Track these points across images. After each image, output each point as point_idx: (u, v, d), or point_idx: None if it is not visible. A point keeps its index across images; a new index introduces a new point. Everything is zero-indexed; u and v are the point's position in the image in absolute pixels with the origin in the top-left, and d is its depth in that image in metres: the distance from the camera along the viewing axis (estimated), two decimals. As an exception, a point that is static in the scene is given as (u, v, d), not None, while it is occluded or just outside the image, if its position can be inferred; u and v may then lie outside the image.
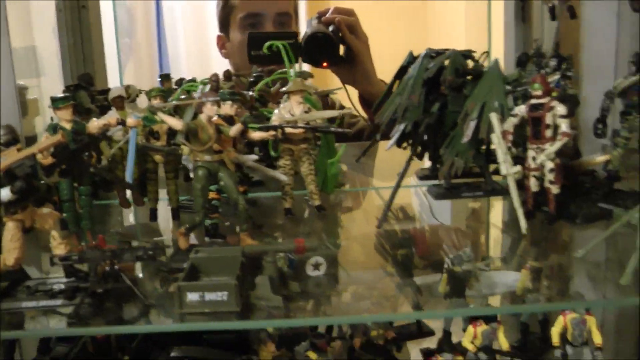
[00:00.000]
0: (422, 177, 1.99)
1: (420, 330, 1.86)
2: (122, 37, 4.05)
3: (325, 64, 2.59)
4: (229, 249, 1.37)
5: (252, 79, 2.09)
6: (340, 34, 2.60)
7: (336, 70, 2.71)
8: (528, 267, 1.48)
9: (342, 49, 2.63)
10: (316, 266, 1.37)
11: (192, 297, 1.22)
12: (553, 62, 1.83)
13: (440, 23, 4.25)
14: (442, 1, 4.19)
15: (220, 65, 3.09)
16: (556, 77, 1.81)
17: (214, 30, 3.19)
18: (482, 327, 1.67)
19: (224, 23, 3.05)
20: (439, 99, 1.76)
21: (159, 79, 2.12)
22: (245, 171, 1.93)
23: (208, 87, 1.91)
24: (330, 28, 2.59)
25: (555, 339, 1.66)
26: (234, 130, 1.49)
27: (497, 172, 1.67)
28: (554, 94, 1.73)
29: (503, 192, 1.74)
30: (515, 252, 1.64)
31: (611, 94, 1.72)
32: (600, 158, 1.79)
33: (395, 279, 1.52)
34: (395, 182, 1.72)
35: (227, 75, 2.03)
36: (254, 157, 1.63)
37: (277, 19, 2.91)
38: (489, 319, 1.67)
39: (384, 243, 1.71)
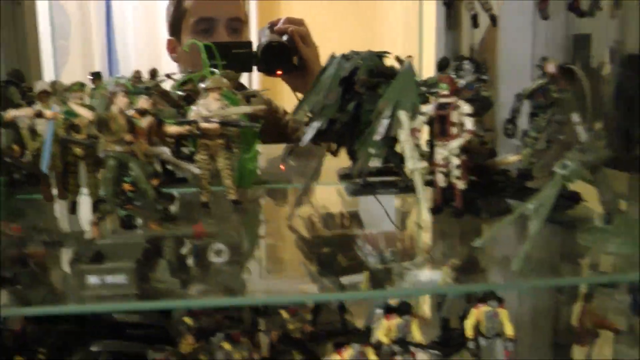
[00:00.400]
0: (343, 175, 2.03)
1: (345, 328, 1.88)
2: (59, 39, 4.08)
3: (279, 72, 2.69)
4: (133, 236, 1.41)
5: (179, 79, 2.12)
6: (293, 44, 2.66)
7: (287, 79, 2.79)
8: (449, 264, 1.52)
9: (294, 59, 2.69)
10: (218, 253, 1.40)
11: (92, 280, 1.26)
12: (467, 66, 1.89)
13: (391, 28, 4.32)
14: (394, 4, 4.26)
15: (171, 68, 3.10)
16: (470, 79, 1.86)
17: (165, 32, 3.23)
18: (396, 320, 1.72)
19: (175, 27, 3.08)
20: (355, 98, 1.81)
21: (90, 77, 2.13)
22: (169, 168, 1.97)
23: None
24: (284, 37, 2.66)
25: (468, 332, 1.71)
26: (146, 121, 1.53)
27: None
28: (469, 95, 1.80)
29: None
30: (436, 249, 1.70)
31: (520, 96, 1.78)
32: (513, 158, 1.85)
33: (311, 273, 1.58)
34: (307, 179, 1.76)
35: (153, 73, 2.06)
36: (166, 149, 1.66)
37: (230, 24, 2.95)
38: (402, 312, 1.72)
39: (305, 239, 1.76)
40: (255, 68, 2.70)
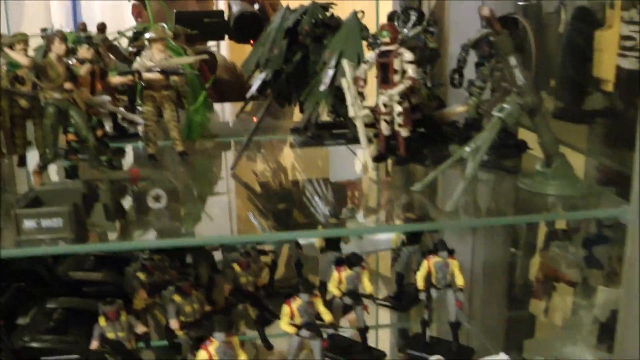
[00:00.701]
0: (294, 129, 2.03)
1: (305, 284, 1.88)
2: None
3: (252, 41, 2.66)
4: (72, 182, 1.40)
5: (131, 35, 2.12)
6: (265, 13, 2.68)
7: None
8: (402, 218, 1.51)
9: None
10: (157, 198, 1.40)
11: (29, 224, 1.26)
12: (414, 17, 1.89)
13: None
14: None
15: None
16: (417, 30, 1.87)
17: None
18: (346, 272, 1.73)
19: None
20: (300, 50, 1.81)
21: (42, 33, 2.11)
22: (121, 123, 1.96)
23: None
24: (256, 7, 2.66)
25: (420, 283, 1.73)
26: (84, 69, 1.53)
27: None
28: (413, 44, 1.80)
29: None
30: (391, 204, 1.67)
31: (466, 46, 1.79)
32: (460, 108, 1.86)
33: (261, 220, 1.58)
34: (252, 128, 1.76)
35: (101, 27, 2.05)
36: (107, 98, 1.66)
37: None
38: (352, 264, 1.73)
39: (255, 190, 1.76)
40: (227, 37, 2.70)
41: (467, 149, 1.44)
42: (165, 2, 2.85)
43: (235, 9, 2.65)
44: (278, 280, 2.12)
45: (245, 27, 2.64)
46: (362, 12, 1.93)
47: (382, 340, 2.03)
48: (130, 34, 2.22)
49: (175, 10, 2.63)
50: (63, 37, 1.50)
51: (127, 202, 1.44)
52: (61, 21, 4.47)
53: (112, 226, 1.31)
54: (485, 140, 1.43)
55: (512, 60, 1.44)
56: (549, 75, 1.98)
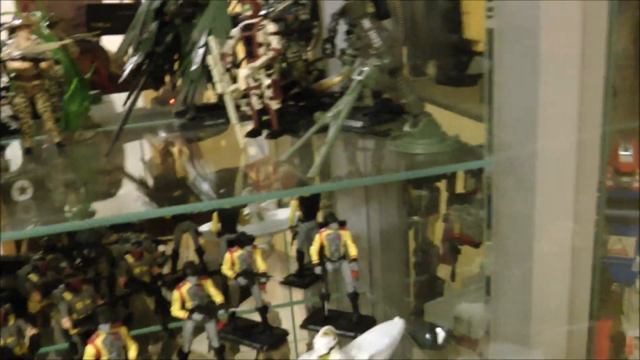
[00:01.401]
0: (177, 112, 2.02)
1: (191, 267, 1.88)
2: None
3: None
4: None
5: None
6: None
7: None
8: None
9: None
10: (22, 191, 1.38)
11: None
12: (285, -12, 1.90)
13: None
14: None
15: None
16: (288, 3, 1.87)
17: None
18: (237, 252, 1.73)
19: None
20: (171, 30, 1.80)
21: None
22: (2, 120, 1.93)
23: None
24: None
25: (314, 257, 1.73)
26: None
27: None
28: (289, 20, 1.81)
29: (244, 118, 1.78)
30: (263, 174, 1.68)
31: (335, 15, 1.79)
32: (337, 78, 1.87)
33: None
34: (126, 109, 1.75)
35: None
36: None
37: None
38: (243, 243, 1.73)
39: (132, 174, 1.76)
40: None
41: (329, 114, 1.45)
42: None
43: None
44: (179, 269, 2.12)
45: None
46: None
47: (288, 319, 2.06)
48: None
49: (86, 4, 2.59)
50: None
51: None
52: None
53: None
54: (346, 103, 1.45)
55: (366, 24, 1.45)
56: (424, 41, 2.00)
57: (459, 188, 2.13)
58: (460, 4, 1.71)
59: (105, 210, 1.49)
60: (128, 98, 1.99)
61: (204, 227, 2.23)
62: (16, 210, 1.38)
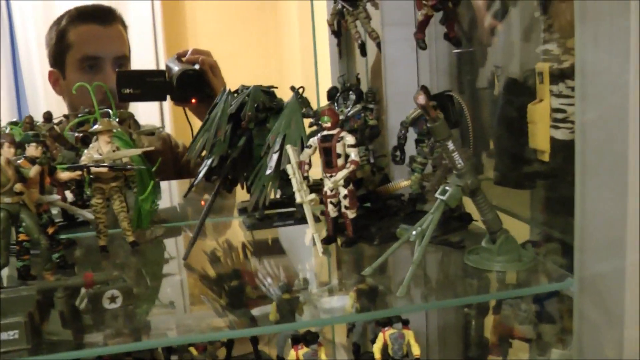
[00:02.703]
0: (241, 209, 2.07)
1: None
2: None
3: (194, 101, 2.70)
4: (25, 288, 1.40)
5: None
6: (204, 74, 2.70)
7: (196, 110, 2.78)
8: (354, 289, 1.56)
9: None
10: (112, 299, 1.41)
11: (-16, 337, 1.26)
12: (353, 96, 1.95)
13: (291, 57, 4.39)
14: (293, 34, 4.33)
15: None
16: (357, 109, 1.92)
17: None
18: (303, 350, 1.74)
19: (58, 59, 3.03)
20: (245, 134, 1.85)
21: None
22: (70, 212, 1.97)
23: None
24: (196, 66, 2.68)
25: (377, 355, 1.75)
26: (33, 171, 1.53)
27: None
28: (355, 125, 1.85)
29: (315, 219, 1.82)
30: (341, 276, 1.73)
31: (404, 123, 1.84)
32: (403, 183, 1.91)
33: (219, 308, 1.60)
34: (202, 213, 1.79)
35: (47, 117, 2.06)
36: (57, 197, 1.68)
37: (116, 62, 2.96)
38: (309, 342, 1.75)
39: (210, 275, 1.79)
40: (169, 97, 2.72)
41: (414, 232, 1.49)
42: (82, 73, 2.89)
43: (176, 68, 2.67)
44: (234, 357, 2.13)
45: (187, 86, 2.65)
46: (302, 87, 1.98)
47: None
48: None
49: (117, 70, 2.66)
50: (12, 141, 1.51)
51: (81, 305, 1.45)
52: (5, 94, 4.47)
53: (67, 333, 1.32)
54: (430, 222, 1.48)
55: (450, 145, 1.49)
56: (488, 145, 2.04)
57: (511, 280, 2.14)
58: (526, 113, 1.74)
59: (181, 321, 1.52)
60: (189, 190, 2.04)
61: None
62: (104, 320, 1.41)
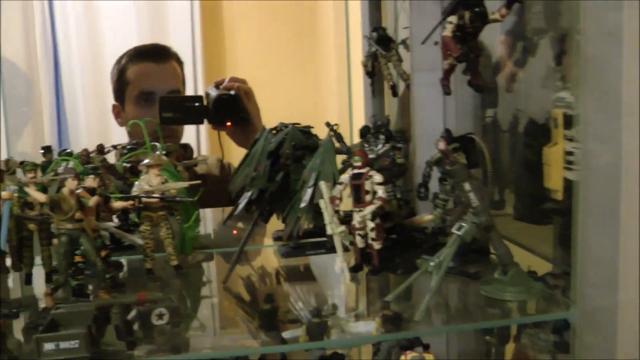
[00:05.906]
0: (276, 237, 2.23)
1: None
2: (19, 105, 4.22)
3: (229, 124, 2.86)
4: (84, 304, 1.57)
5: (125, 152, 2.29)
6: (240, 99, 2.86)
7: (232, 134, 2.95)
8: (380, 315, 1.70)
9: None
10: (160, 316, 1.57)
11: (48, 346, 1.42)
12: (382, 136, 2.11)
13: (328, 92, 4.53)
14: (329, 69, 4.47)
15: (120, 133, 3.27)
16: (387, 148, 2.08)
17: (111, 99, 3.35)
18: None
19: (119, 94, 3.24)
20: (282, 169, 2.02)
21: (41, 151, 2.26)
22: (117, 237, 2.14)
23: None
24: (232, 92, 2.85)
25: (399, 378, 1.89)
26: (92, 201, 1.71)
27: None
28: (385, 163, 2.01)
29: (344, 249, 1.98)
30: (367, 302, 1.93)
31: (429, 163, 2.00)
32: (427, 217, 2.06)
33: (253, 330, 1.77)
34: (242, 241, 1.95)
35: (100, 148, 2.24)
36: (112, 224, 1.85)
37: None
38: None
39: (244, 298, 1.96)
40: (206, 121, 2.86)
41: (432, 263, 1.64)
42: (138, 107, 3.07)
43: (213, 94, 2.83)
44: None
45: (223, 110, 2.80)
46: (337, 124, 2.15)
47: None
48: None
49: (160, 96, 2.83)
50: (76, 174, 1.70)
51: (133, 320, 1.62)
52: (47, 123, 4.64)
53: (122, 345, 1.49)
54: (446, 255, 1.64)
55: (467, 186, 1.65)
56: (508, 183, 2.19)
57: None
58: (541, 155, 1.88)
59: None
60: (228, 218, 2.20)
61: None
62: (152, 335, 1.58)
